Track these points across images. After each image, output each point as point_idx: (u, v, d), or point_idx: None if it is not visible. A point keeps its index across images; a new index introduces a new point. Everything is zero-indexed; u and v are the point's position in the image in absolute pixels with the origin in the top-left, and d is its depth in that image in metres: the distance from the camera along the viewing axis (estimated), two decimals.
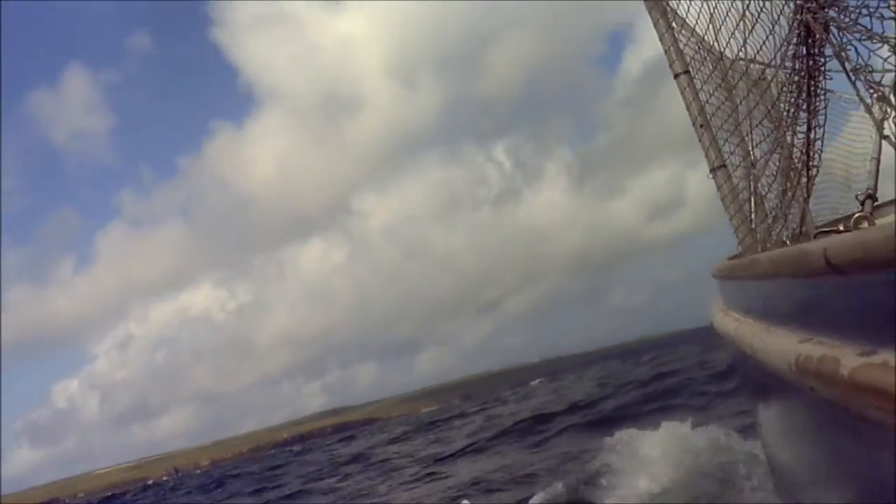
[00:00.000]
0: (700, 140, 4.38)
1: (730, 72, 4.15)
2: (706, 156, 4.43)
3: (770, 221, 4.38)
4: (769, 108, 4.43)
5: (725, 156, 4.58)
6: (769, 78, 3.89)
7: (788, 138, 4.05)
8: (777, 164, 4.43)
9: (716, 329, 4.13)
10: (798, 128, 3.86)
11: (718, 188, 4.54)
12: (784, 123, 4.21)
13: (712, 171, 4.47)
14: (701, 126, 4.27)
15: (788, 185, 4.13)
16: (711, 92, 4.50)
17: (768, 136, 4.46)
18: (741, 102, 4.51)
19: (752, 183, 4.57)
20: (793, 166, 4.04)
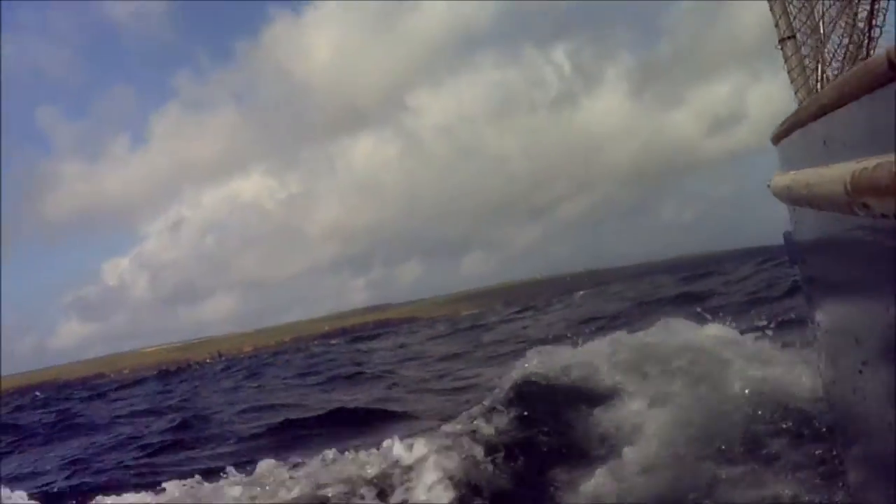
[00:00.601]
0: (771, 9, 4.44)
1: None
2: (776, 25, 4.49)
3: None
4: None
5: (794, 28, 4.63)
6: None
7: (857, 8, 4.10)
8: (843, 35, 4.48)
9: (773, 192, 4.27)
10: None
11: (786, 60, 4.61)
12: None
13: (780, 41, 4.54)
14: None
15: (855, 54, 4.19)
16: None
17: (834, 5, 4.49)
18: None
19: (819, 56, 4.63)
20: (859, 36, 4.10)
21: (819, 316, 4.43)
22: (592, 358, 10.04)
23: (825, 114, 2.84)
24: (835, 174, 2.63)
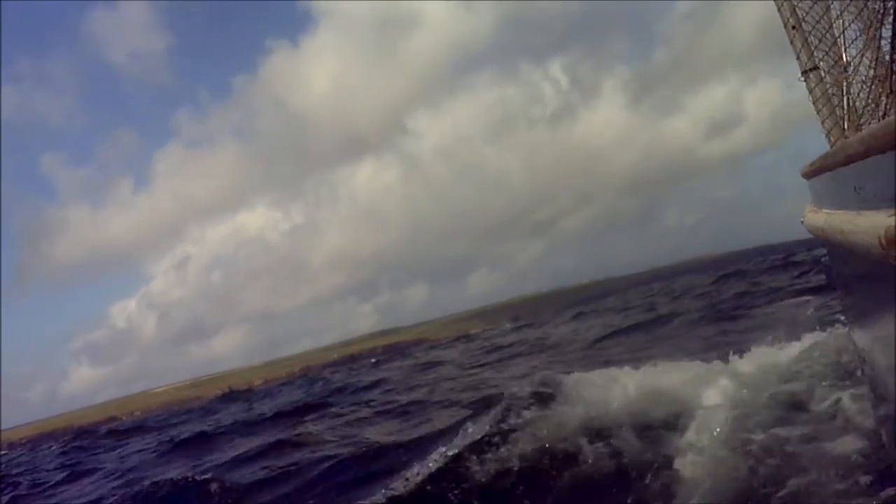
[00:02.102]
0: (791, 42, 4.42)
1: None
2: (797, 58, 4.46)
3: (862, 123, 4.42)
4: (860, 9, 4.42)
5: (816, 60, 4.60)
6: None
7: (881, 40, 4.07)
8: (869, 66, 4.44)
9: (807, 228, 4.25)
10: (889, 28, 3.87)
11: (810, 91, 4.57)
12: (875, 23, 4.22)
13: (804, 73, 4.51)
14: (793, 27, 4.30)
15: (881, 86, 4.15)
16: None
17: (859, 37, 4.46)
18: (832, 2, 4.51)
19: (844, 85, 4.59)
20: (885, 67, 4.06)
21: (860, 340, 4.40)
22: None
23: (854, 161, 2.83)
24: (868, 225, 2.62)
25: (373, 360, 56.19)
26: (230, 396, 43.46)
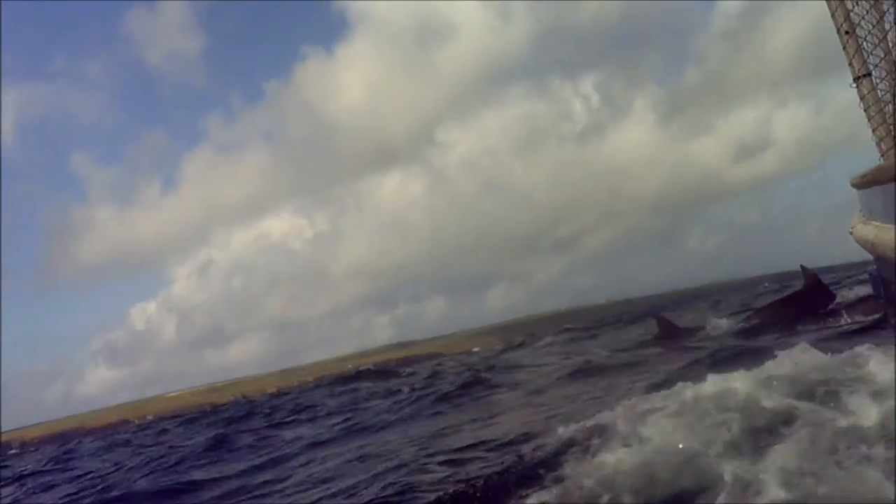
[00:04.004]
0: (844, 48, 4.31)
1: None
2: (850, 64, 4.36)
3: None
4: None
5: (869, 66, 4.49)
6: None
7: None
8: None
9: (856, 239, 4.16)
10: None
11: (861, 98, 4.47)
12: None
13: (856, 79, 4.40)
14: (846, 33, 4.20)
15: None
16: (857, 1, 4.40)
17: None
18: (888, 10, 4.40)
19: None
20: None
21: None
22: None
23: None
24: None
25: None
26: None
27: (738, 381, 7.46)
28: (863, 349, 8.56)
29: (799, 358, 8.39)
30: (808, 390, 7.53)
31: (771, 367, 7.79)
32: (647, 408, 7.71)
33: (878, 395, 7.19)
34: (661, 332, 24.09)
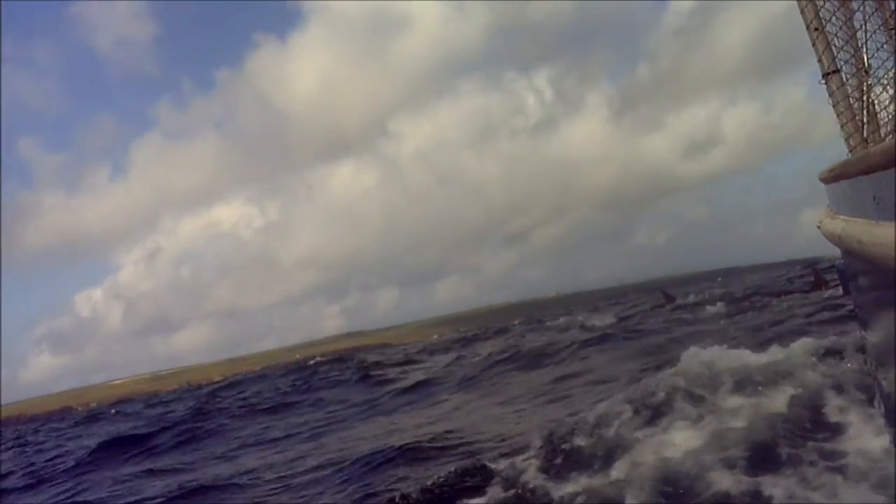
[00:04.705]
0: (813, 44, 4.37)
1: None
2: (819, 60, 4.42)
3: (885, 129, 4.37)
4: (886, 15, 4.37)
5: (839, 63, 4.55)
6: None
7: None
8: (891, 72, 4.39)
9: (823, 233, 4.21)
10: None
11: (830, 94, 4.53)
12: None
13: (825, 76, 4.46)
14: (815, 29, 4.26)
15: None
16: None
17: (883, 45, 4.41)
18: (858, 7, 4.46)
19: (865, 91, 4.54)
20: None
21: (873, 351, 4.38)
22: None
23: (876, 171, 2.80)
24: (887, 237, 2.60)
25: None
26: None
27: None
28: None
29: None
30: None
31: None
32: None
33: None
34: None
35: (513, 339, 35.69)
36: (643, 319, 32.21)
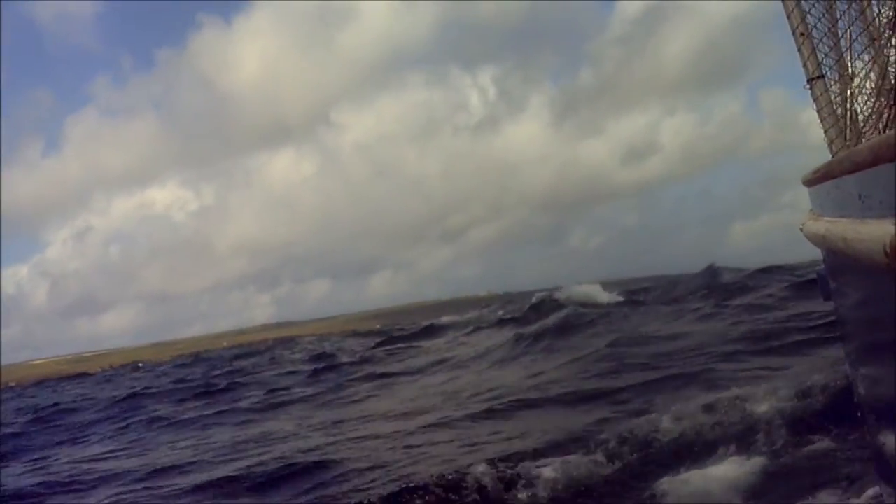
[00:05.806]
0: (799, 49, 4.45)
1: None
2: (804, 66, 4.50)
3: (867, 134, 4.46)
4: (868, 22, 4.47)
5: (823, 69, 4.64)
6: None
7: (887, 53, 4.12)
8: (874, 78, 4.48)
9: (806, 235, 4.28)
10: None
11: (815, 100, 4.62)
12: (881, 37, 4.26)
13: (809, 81, 4.55)
14: (801, 34, 4.34)
15: (885, 99, 4.20)
16: (812, 3, 4.55)
17: (866, 49, 4.51)
18: (841, 17, 4.55)
19: (848, 95, 4.63)
20: (889, 80, 4.11)
21: (853, 353, 4.45)
22: None
23: (860, 170, 2.86)
24: (873, 233, 2.64)
25: None
26: None
27: None
28: None
29: None
30: None
31: None
32: None
33: None
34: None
35: None
36: None
